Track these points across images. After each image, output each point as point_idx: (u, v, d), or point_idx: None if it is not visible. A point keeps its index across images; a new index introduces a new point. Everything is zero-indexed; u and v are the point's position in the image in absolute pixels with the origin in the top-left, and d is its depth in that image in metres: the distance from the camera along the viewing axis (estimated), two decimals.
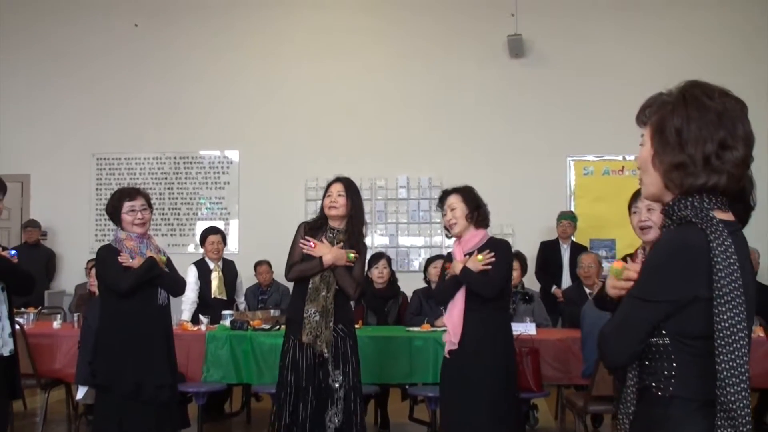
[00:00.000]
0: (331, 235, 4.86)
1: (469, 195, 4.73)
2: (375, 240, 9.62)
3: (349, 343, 4.82)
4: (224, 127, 9.95)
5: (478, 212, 4.70)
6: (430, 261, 7.15)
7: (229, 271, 7.33)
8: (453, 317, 4.64)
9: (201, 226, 9.72)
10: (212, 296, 7.09)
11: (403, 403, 6.74)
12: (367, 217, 9.49)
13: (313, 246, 4.72)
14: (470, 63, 9.67)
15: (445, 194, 4.81)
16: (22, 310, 7.01)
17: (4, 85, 10.31)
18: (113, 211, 4.73)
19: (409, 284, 7.29)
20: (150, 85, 10.11)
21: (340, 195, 4.87)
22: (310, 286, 4.78)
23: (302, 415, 4.68)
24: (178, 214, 9.94)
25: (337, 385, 4.73)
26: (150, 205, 4.84)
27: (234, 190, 9.94)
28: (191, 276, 7.06)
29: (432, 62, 9.73)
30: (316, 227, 4.92)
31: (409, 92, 9.75)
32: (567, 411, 6.35)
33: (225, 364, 6.04)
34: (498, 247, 4.64)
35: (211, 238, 7.29)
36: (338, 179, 4.98)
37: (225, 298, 7.12)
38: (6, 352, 3.93)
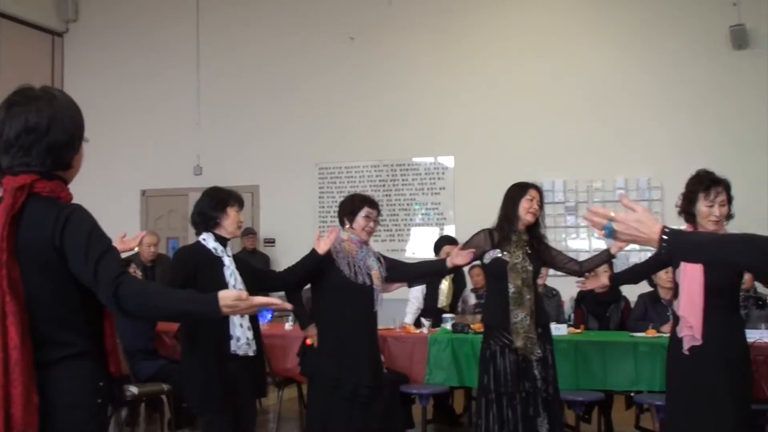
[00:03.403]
0: (515, 237, 4.85)
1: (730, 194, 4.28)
2: (592, 244, 9.44)
3: (547, 346, 4.83)
4: (438, 133, 10.13)
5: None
6: None
7: (459, 280, 7.37)
8: (695, 307, 4.18)
9: (417, 232, 9.96)
10: (438, 305, 7.17)
11: (628, 411, 6.57)
12: (584, 220, 9.41)
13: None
14: (690, 56, 9.28)
15: (717, 182, 4.24)
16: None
17: (234, 101, 11.03)
18: (352, 210, 4.85)
19: (630, 289, 7.09)
20: (365, 95, 10.48)
21: (537, 202, 4.89)
22: (512, 290, 4.77)
23: (512, 422, 4.70)
24: (396, 220, 10.22)
25: (541, 389, 4.73)
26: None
27: (449, 196, 10.09)
28: None
29: (650, 57, 9.42)
30: (504, 233, 4.91)
31: (625, 89, 9.49)
32: None
33: (447, 366, 6.14)
34: None
35: (447, 248, 7.23)
36: (535, 186, 4.97)
37: (448, 310, 7.16)
38: (251, 353, 4.21)
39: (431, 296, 7.16)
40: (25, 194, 2.31)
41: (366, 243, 4.88)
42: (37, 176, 2.33)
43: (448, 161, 10.13)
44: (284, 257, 10.46)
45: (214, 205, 4.29)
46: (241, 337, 4.13)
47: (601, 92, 9.56)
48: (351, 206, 4.87)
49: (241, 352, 4.14)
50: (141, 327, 6.41)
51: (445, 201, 10.10)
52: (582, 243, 9.51)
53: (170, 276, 4.41)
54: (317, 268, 4.64)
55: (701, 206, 4.23)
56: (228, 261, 4.24)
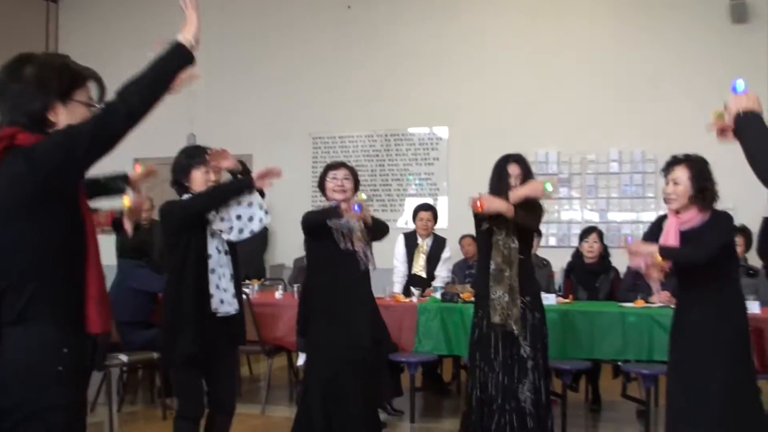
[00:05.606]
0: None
1: (699, 172, 4.20)
2: (585, 215, 9.45)
3: (536, 315, 4.81)
4: (433, 104, 10.08)
5: (703, 194, 4.20)
6: (585, 233, 6.95)
7: (438, 247, 7.44)
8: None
9: (410, 202, 9.95)
10: (412, 271, 7.27)
11: (615, 380, 6.62)
12: (577, 192, 9.46)
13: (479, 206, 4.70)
14: (688, 30, 9.22)
15: (674, 162, 4.29)
16: (246, 282, 7.45)
17: (229, 70, 10.97)
18: (320, 182, 4.96)
19: (621, 260, 7.10)
20: (361, 64, 10.43)
21: (519, 179, 4.93)
22: (492, 267, 4.79)
23: (493, 389, 4.73)
24: (389, 190, 10.21)
25: (525, 356, 4.73)
26: (355, 179, 4.97)
27: (443, 167, 10.07)
28: (399, 246, 7.31)
29: (647, 30, 9.36)
30: None
31: (621, 62, 9.43)
32: None
33: (436, 335, 6.17)
34: (717, 218, 4.22)
35: (422, 214, 7.43)
36: (516, 160, 4.98)
37: (425, 275, 7.25)
38: (232, 311, 4.19)
39: (410, 264, 7.33)
40: (3, 145, 2.31)
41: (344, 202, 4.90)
42: (21, 129, 2.35)
43: (442, 132, 10.10)
44: (278, 227, 10.48)
45: (179, 169, 4.24)
46: (223, 297, 4.13)
47: (596, 64, 9.51)
48: (320, 180, 4.97)
49: (221, 312, 4.12)
50: (142, 300, 6.41)
51: (439, 172, 10.09)
52: (575, 214, 9.52)
53: (163, 232, 4.35)
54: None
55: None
56: (212, 216, 4.18)
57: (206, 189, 4.15)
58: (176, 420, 4.20)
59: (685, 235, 4.23)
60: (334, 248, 4.74)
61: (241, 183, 4.15)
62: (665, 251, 4.14)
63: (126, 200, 3.45)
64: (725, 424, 4.03)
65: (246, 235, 4.17)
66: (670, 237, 4.28)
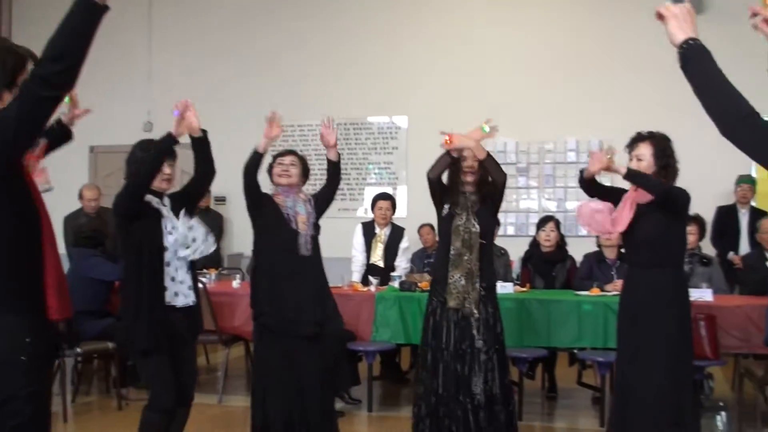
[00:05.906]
0: (462, 199, 4.88)
1: (662, 149, 4.38)
2: (542, 204, 9.51)
3: (489, 309, 4.75)
4: (393, 93, 10.07)
5: (666, 170, 4.37)
6: (542, 222, 7.04)
7: (396, 237, 7.44)
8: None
9: (369, 192, 9.93)
10: (370, 261, 7.28)
11: (571, 367, 6.68)
12: (535, 181, 9.51)
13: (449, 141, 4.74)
14: (644, 20, 9.28)
15: (638, 139, 4.46)
16: (204, 270, 7.40)
17: (186, 56, 10.84)
18: (269, 169, 4.94)
19: (578, 249, 7.17)
20: (320, 52, 10.37)
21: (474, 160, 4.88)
22: (452, 251, 4.77)
23: (444, 377, 4.69)
24: (348, 179, 10.17)
25: (479, 349, 4.68)
26: (303, 164, 4.96)
27: (402, 156, 10.06)
28: (358, 236, 7.31)
29: (603, 20, 9.45)
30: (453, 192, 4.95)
31: (576, 52, 9.50)
32: (745, 381, 6.08)
33: (394, 324, 6.18)
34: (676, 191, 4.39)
35: (380, 203, 7.44)
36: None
37: (383, 265, 7.27)
38: (190, 302, 4.15)
39: (368, 254, 7.36)
40: None
41: (293, 189, 4.86)
42: None
43: (401, 121, 10.10)
44: (236, 215, 10.40)
45: (134, 161, 4.20)
46: (178, 290, 4.09)
47: (554, 54, 9.57)
48: (268, 167, 4.95)
49: (178, 304, 4.09)
50: (97, 289, 6.32)
51: (398, 161, 10.08)
52: (532, 203, 9.58)
53: (116, 222, 4.30)
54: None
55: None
56: (166, 211, 4.16)
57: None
58: (145, 410, 4.10)
59: (641, 208, 4.36)
60: (278, 230, 4.73)
61: (167, 140, 4.16)
62: (631, 170, 4.33)
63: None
64: (666, 396, 4.20)
65: (197, 256, 4.24)
66: (625, 209, 4.41)
